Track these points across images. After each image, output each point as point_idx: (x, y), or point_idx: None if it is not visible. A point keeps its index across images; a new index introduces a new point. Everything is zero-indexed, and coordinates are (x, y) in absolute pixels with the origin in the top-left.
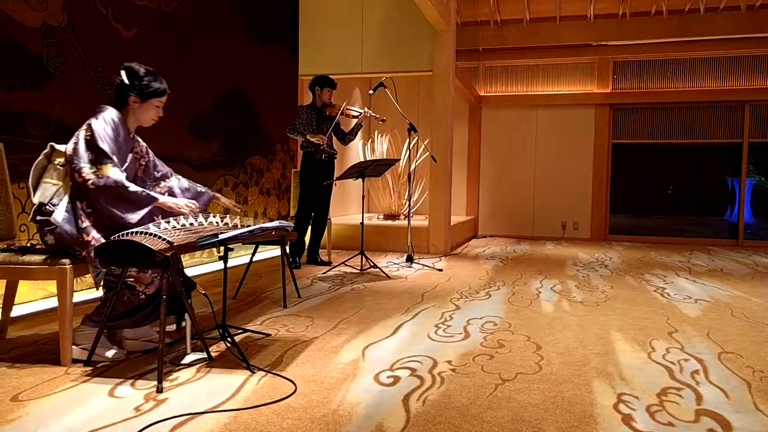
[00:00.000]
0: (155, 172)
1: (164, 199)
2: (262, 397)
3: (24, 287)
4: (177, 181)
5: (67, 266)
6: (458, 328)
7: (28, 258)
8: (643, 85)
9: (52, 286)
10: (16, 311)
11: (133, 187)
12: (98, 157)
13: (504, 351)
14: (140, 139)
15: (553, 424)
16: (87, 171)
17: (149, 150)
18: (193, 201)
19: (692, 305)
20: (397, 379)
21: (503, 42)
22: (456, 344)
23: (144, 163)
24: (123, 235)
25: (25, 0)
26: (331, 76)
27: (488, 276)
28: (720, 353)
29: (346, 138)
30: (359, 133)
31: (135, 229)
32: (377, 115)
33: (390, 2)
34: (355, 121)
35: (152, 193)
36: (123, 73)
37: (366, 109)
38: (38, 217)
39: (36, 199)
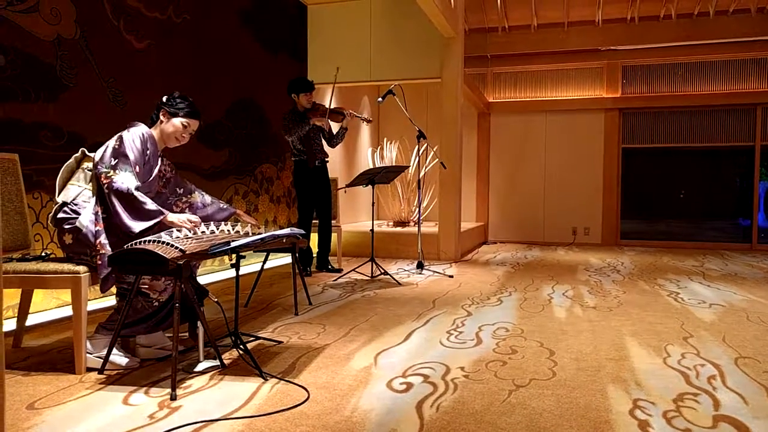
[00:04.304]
0: (177, 188)
1: (171, 217)
2: (275, 404)
3: (38, 296)
4: (200, 197)
5: (82, 275)
6: (470, 335)
7: (42, 267)
8: (652, 90)
9: (66, 294)
10: (30, 320)
11: (143, 198)
12: (119, 163)
13: (517, 357)
14: (166, 160)
15: (568, 430)
16: (106, 175)
17: (174, 168)
18: (195, 216)
19: (707, 310)
20: (410, 385)
21: (511, 48)
22: (468, 350)
23: (165, 180)
24: (136, 243)
25: (39, 13)
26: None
27: (499, 282)
28: (737, 358)
29: (333, 141)
30: (345, 134)
31: (148, 238)
32: (363, 116)
33: (398, 10)
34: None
35: (161, 209)
36: (165, 95)
37: (349, 111)
38: (59, 215)
39: (60, 198)
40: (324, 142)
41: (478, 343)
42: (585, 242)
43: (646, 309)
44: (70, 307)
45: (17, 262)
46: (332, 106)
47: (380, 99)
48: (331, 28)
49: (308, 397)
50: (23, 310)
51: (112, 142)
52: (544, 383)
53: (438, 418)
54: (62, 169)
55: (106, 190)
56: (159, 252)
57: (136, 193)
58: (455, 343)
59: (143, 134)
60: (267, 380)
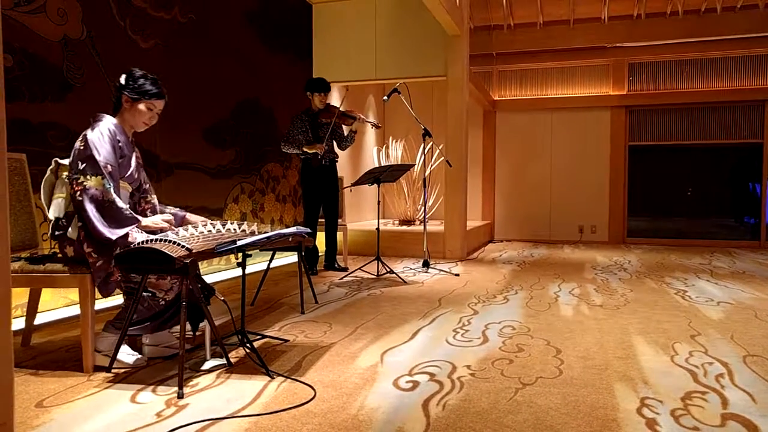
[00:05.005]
0: (145, 184)
1: (145, 222)
2: (281, 402)
3: (47, 295)
4: (155, 200)
5: (89, 274)
6: (477, 333)
7: (50, 266)
8: (659, 87)
9: (74, 293)
10: (39, 319)
11: (118, 203)
12: (88, 167)
13: (523, 355)
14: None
15: (575, 429)
16: (77, 182)
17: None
18: (169, 216)
19: (715, 308)
20: (416, 384)
21: (517, 46)
22: (475, 349)
23: (143, 169)
24: (143, 242)
25: (45, 14)
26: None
27: (506, 280)
28: (745, 356)
29: (343, 144)
30: (355, 138)
31: (154, 237)
32: (372, 121)
33: (403, 8)
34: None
35: (135, 215)
36: (123, 75)
37: (360, 116)
38: (56, 232)
39: (51, 215)
40: (334, 143)
41: (485, 341)
42: (592, 240)
43: (654, 307)
44: (78, 306)
45: (25, 261)
46: (343, 109)
47: (386, 98)
48: (336, 27)
49: (315, 396)
50: (32, 309)
51: (77, 144)
52: (550, 381)
53: (444, 416)
54: (42, 184)
55: (79, 198)
56: (165, 251)
57: (111, 197)
58: (461, 341)
59: (110, 129)
60: (273, 378)
